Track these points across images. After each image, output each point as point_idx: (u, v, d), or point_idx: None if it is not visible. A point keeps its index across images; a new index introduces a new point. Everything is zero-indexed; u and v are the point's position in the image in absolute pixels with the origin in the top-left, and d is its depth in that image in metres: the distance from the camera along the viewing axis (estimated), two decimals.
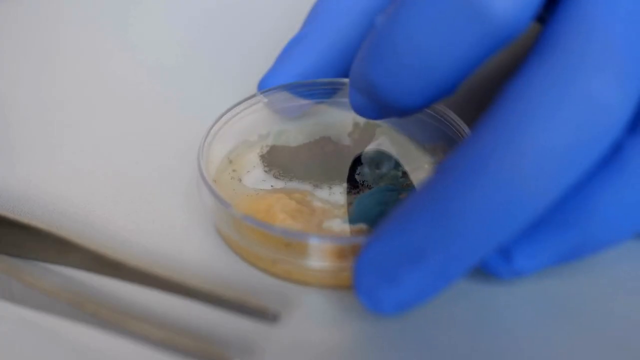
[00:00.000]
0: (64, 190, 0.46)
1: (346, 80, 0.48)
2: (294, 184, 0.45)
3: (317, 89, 0.48)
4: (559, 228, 0.37)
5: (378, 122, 0.48)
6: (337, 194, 0.44)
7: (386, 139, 0.46)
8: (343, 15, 0.48)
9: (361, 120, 0.48)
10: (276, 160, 0.46)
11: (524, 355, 0.38)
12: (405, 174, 0.46)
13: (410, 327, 0.39)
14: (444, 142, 0.47)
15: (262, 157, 0.47)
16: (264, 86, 0.48)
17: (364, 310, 0.40)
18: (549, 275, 0.41)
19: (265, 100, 0.47)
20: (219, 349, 0.37)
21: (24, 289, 0.39)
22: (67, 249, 0.41)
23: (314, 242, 0.40)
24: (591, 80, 0.35)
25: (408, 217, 0.37)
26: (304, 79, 0.48)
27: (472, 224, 0.35)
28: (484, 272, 0.39)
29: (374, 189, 0.44)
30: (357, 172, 0.45)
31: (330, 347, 0.38)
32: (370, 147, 0.46)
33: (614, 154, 0.37)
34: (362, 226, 0.42)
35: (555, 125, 0.35)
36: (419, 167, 0.46)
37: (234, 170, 0.46)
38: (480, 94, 0.52)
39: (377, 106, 0.41)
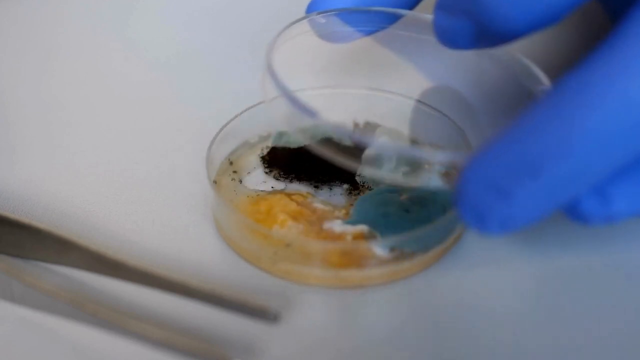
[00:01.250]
0: (64, 190, 0.46)
1: (405, 11, 0.45)
2: (295, 185, 0.45)
3: (372, 18, 0.46)
4: None
5: (378, 122, 0.48)
6: (338, 195, 0.44)
7: (387, 139, 0.46)
8: None
9: (361, 120, 0.48)
10: (277, 162, 0.46)
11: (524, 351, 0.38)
12: (405, 174, 0.46)
13: (409, 326, 0.39)
14: (444, 143, 0.47)
15: (263, 159, 0.47)
16: (314, 9, 0.45)
17: (364, 310, 0.40)
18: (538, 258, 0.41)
19: (323, 21, 0.44)
20: (219, 349, 0.37)
21: (24, 289, 0.39)
22: (67, 249, 0.41)
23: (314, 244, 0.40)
24: None
25: (526, 128, 0.35)
26: (358, 5, 0.45)
27: (593, 141, 0.34)
28: (573, 218, 0.37)
29: (374, 190, 0.44)
30: (358, 173, 0.45)
31: (330, 347, 0.38)
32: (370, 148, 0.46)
33: None
34: (362, 227, 0.42)
35: None
36: (419, 168, 0.46)
37: (234, 172, 0.46)
38: (478, 96, 0.52)
39: (470, 30, 0.39)
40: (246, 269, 0.42)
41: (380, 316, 0.40)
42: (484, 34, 0.39)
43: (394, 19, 0.46)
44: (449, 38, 0.40)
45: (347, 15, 0.45)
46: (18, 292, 0.39)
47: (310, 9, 0.45)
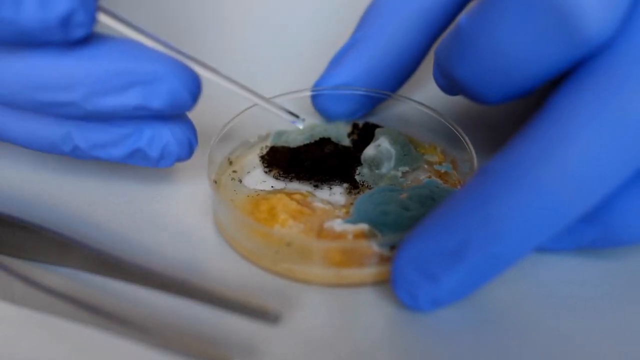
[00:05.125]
0: (64, 190, 0.46)
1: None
2: (295, 185, 0.45)
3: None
4: (584, 221, 0.39)
5: (378, 122, 0.48)
6: (338, 195, 0.44)
7: (386, 139, 0.46)
8: (395, 20, 0.48)
9: (360, 121, 0.48)
10: (276, 161, 0.46)
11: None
12: (404, 174, 0.46)
13: (410, 325, 0.39)
14: (443, 143, 0.47)
15: (262, 158, 0.47)
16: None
17: (364, 309, 0.40)
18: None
19: None
20: (219, 349, 0.37)
21: (24, 289, 0.39)
22: (67, 249, 0.41)
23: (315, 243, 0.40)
24: (632, 100, 0.36)
25: (450, 216, 0.38)
26: (355, 84, 0.48)
27: (513, 227, 0.36)
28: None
29: (374, 189, 0.44)
30: (357, 172, 0.45)
31: (331, 347, 0.38)
32: (370, 148, 0.46)
33: None
34: (363, 226, 0.42)
35: (598, 138, 0.36)
36: (418, 167, 0.46)
37: (234, 172, 0.46)
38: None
39: (459, 92, 0.42)
40: (247, 268, 0.42)
41: (381, 315, 0.40)
42: (468, 97, 0.42)
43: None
44: (444, 91, 0.44)
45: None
46: (18, 293, 0.39)
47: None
